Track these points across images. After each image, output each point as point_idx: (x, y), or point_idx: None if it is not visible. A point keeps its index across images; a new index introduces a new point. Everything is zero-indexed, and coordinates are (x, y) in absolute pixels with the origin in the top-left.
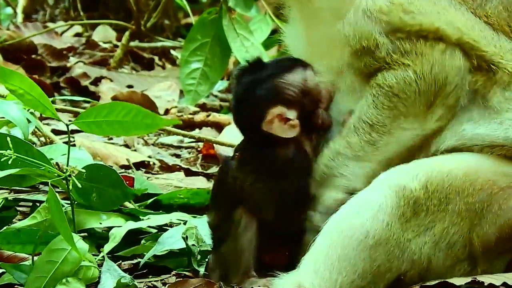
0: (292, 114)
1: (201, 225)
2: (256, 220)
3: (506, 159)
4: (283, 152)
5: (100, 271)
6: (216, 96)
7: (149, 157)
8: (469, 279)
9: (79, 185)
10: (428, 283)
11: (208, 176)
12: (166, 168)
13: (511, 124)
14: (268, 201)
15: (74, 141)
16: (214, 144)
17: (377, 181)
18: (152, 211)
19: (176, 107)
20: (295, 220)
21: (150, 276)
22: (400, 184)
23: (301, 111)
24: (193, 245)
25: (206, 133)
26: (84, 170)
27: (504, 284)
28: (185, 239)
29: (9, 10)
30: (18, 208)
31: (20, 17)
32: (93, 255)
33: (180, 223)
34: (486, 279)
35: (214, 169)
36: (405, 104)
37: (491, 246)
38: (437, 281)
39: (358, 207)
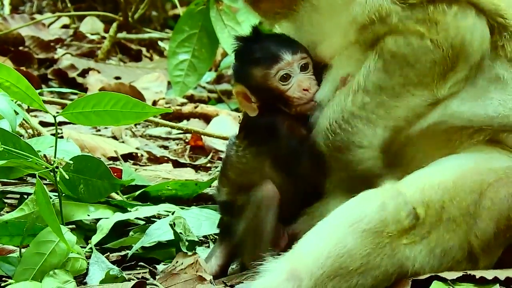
0: (253, 98)
1: (189, 217)
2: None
3: (488, 146)
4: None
5: (88, 263)
6: (204, 87)
7: (137, 148)
8: (460, 274)
9: (67, 177)
10: (419, 277)
11: (196, 168)
12: (154, 159)
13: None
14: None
15: (62, 133)
16: (202, 136)
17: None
18: (140, 203)
19: (164, 98)
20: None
21: (138, 268)
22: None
23: (264, 99)
24: (180, 233)
25: (194, 124)
26: (71, 162)
27: (495, 278)
28: (172, 225)
29: None
30: (5, 200)
31: (7, 9)
32: (81, 247)
33: (168, 215)
34: (477, 273)
35: (202, 161)
36: (418, 74)
37: (490, 242)
38: (428, 275)
39: (360, 201)
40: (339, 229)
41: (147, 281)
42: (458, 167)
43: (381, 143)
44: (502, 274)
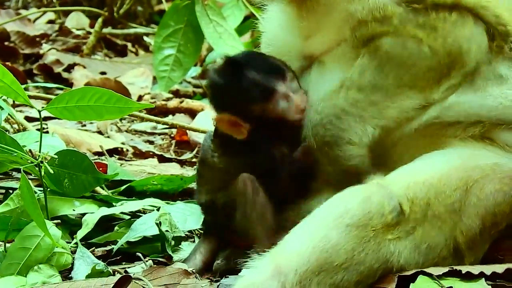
0: (244, 124)
1: (175, 212)
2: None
3: (478, 142)
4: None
5: (73, 258)
6: (189, 82)
7: (123, 143)
8: (446, 269)
9: (51, 171)
10: (405, 273)
11: (181, 163)
12: (140, 154)
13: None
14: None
15: (47, 128)
16: (188, 130)
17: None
18: (125, 198)
19: (149, 93)
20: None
21: (124, 263)
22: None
23: (258, 125)
24: (166, 231)
25: (180, 119)
26: (56, 156)
27: (481, 273)
28: (159, 225)
29: None
30: None
31: None
32: (67, 242)
33: (153, 210)
34: (464, 268)
35: (187, 155)
36: (412, 77)
37: (476, 239)
38: (414, 271)
39: (343, 196)
40: (323, 224)
41: (133, 275)
42: (444, 164)
43: (370, 141)
44: (488, 269)
